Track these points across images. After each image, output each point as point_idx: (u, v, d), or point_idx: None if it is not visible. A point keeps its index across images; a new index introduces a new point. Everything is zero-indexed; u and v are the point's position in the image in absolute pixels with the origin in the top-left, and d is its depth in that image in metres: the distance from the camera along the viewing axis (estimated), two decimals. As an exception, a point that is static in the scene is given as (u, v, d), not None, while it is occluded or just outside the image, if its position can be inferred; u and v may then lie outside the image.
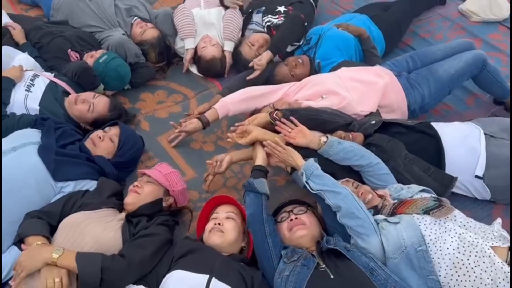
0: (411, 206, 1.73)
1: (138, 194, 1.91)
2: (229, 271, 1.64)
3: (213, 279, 1.58)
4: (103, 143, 2.12)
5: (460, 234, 1.63)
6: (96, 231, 1.69)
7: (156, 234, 1.73)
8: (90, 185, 2.00)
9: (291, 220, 1.80)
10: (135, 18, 2.86)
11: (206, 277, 1.58)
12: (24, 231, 1.66)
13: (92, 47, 2.67)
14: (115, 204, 1.91)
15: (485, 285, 1.52)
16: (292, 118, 2.06)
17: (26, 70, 2.38)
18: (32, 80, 2.33)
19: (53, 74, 2.47)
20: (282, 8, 2.90)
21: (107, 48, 2.66)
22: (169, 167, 2.09)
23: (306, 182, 1.80)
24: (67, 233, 1.69)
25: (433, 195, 1.79)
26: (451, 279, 1.58)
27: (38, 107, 2.25)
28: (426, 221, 1.66)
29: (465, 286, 1.55)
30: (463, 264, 1.58)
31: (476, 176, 2.06)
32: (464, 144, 2.08)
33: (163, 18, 2.82)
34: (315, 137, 1.99)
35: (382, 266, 1.67)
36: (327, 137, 1.97)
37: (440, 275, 1.61)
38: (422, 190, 1.86)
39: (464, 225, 1.69)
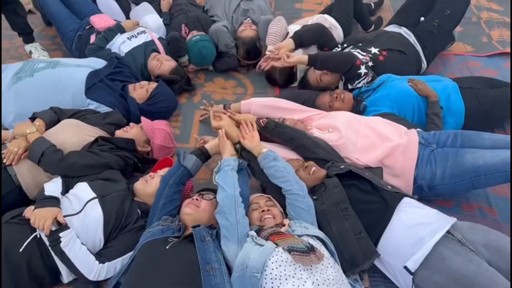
0: (283, 239, 1.69)
1: (125, 132, 2.38)
2: (116, 204, 1.93)
3: (95, 200, 1.92)
4: (140, 90, 2.66)
5: None
6: (69, 135, 2.23)
7: (100, 156, 2.15)
8: (109, 112, 2.57)
9: (193, 199, 1.97)
10: (248, 19, 3.30)
11: (92, 195, 1.94)
12: (38, 113, 2.32)
13: (202, 29, 3.24)
14: (109, 130, 2.41)
15: None
16: (253, 122, 2.19)
17: (140, 26, 3.13)
18: (138, 34, 3.06)
19: (158, 36, 3.16)
20: (375, 50, 2.87)
21: (207, 32, 3.19)
22: (167, 126, 2.48)
23: (215, 172, 1.94)
24: (56, 128, 2.28)
25: (310, 242, 1.68)
26: None
27: (125, 52, 2.95)
28: (281, 257, 1.60)
29: None
30: None
31: (406, 268, 1.78)
32: (413, 229, 1.81)
33: (262, 24, 3.17)
34: (259, 145, 2.07)
35: (225, 273, 1.71)
36: (268, 150, 2.03)
37: None
38: (315, 237, 1.75)
39: (319, 284, 1.55)
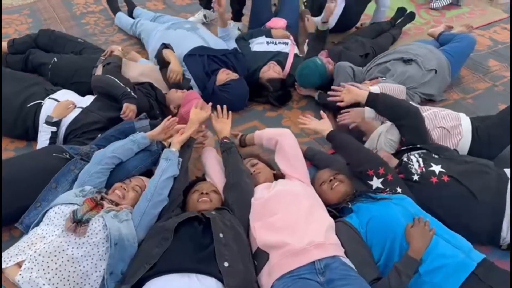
0: (88, 205, 1.90)
1: (174, 92, 2.92)
2: (88, 120, 2.56)
3: (79, 109, 2.62)
4: (224, 76, 3.04)
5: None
6: (137, 70, 2.99)
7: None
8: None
9: None
10: (384, 77, 2.97)
11: (83, 106, 2.63)
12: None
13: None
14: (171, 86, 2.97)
15: None
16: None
17: (288, 39, 3.42)
18: (278, 42, 3.42)
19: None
20: (438, 168, 2.21)
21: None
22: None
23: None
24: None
25: (96, 221, 1.83)
26: None
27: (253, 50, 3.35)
28: (68, 211, 1.86)
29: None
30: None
31: None
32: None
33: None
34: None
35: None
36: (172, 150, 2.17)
37: None
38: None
39: (52, 242, 1.72)
